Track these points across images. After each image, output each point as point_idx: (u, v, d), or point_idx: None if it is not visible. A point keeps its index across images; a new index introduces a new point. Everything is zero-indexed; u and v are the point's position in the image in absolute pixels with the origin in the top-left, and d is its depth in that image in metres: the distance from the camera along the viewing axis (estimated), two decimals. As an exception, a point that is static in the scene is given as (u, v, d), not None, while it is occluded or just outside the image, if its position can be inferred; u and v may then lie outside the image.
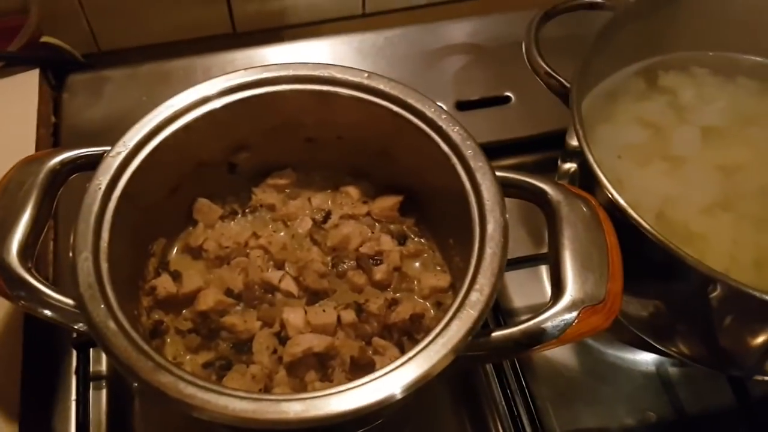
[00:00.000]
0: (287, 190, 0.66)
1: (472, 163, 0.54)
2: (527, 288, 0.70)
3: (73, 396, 0.63)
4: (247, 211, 0.65)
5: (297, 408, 0.43)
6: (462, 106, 0.84)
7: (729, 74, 0.71)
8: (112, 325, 0.46)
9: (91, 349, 0.64)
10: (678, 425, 0.64)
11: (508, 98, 0.85)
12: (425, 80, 0.86)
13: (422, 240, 0.64)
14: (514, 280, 0.71)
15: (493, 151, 0.81)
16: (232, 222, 0.64)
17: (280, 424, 0.43)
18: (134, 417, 0.63)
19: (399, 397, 0.44)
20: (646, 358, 0.68)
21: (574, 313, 0.48)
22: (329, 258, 0.61)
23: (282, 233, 0.63)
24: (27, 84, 0.79)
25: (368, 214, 0.64)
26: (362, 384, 0.44)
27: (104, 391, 0.64)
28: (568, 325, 0.48)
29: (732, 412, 0.64)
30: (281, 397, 0.43)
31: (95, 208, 0.51)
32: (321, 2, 0.89)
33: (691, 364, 0.64)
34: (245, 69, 0.58)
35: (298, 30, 0.90)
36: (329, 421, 0.42)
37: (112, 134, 0.56)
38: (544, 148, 0.78)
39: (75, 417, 0.62)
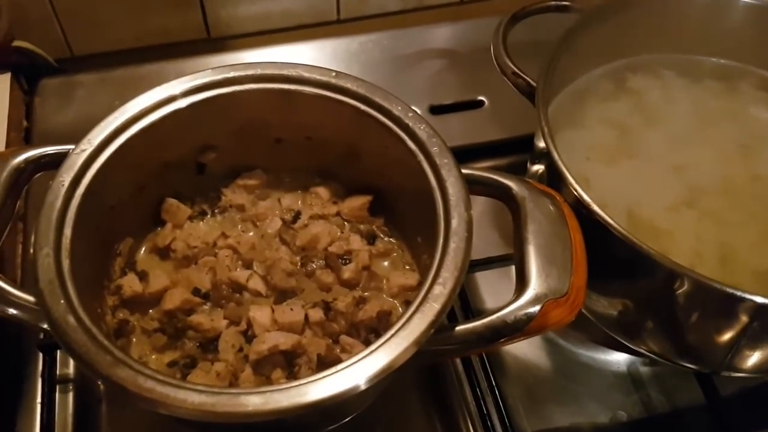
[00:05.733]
0: (257, 191, 0.65)
1: (437, 160, 0.55)
2: (499, 288, 0.70)
3: (38, 399, 0.62)
4: (216, 211, 0.64)
5: (256, 401, 0.42)
6: (435, 110, 0.84)
7: (695, 76, 0.72)
8: (71, 320, 0.46)
9: (57, 352, 0.63)
10: (648, 424, 0.64)
11: (481, 102, 0.85)
12: (399, 85, 0.85)
13: (391, 239, 0.64)
14: (486, 280, 0.71)
15: (466, 155, 0.82)
16: (201, 222, 0.64)
17: (239, 417, 0.42)
18: (101, 421, 0.62)
19: (361, 389, 0.44)
20: (617, 358, 0.68)
21: (537, 307, 0.49)
22: (298, 257, 0.61)
23: (251, 233, 0.63)
24: (-2, 88, 0.79)
25: (338, 214, 0.64)
26: (323, 377, 0.44)
27: (71, 395, 0.63)
28: (531, 318, 0.48)
29: (701, 409, 0.64)
30: (241, 391, 0.43)
31: (58, 204, 0.51)
32: (296, 8, 0.90)
33: (661, 362, 0.64)
34: (212, 68, 0.59)
35: (272, 35, 0.91)
36: (289, 413, 0.42)
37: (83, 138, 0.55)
38: (516, 152, 0.77)
39: (39, 420, 0.61)
